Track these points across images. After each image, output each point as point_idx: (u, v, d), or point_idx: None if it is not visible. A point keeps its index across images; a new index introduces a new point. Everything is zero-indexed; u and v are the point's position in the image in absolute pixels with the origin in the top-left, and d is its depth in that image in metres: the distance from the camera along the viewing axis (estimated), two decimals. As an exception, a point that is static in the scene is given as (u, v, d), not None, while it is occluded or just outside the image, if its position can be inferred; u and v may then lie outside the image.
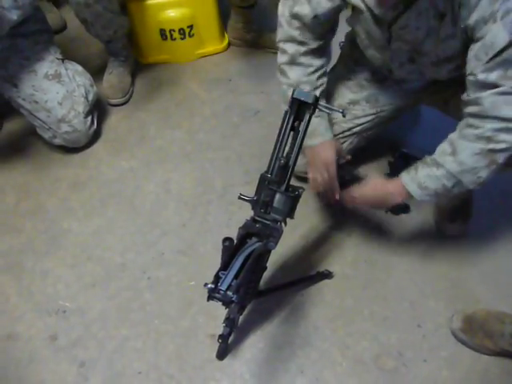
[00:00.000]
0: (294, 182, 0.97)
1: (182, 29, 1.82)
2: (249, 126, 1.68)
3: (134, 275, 1.32)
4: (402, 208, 1.41)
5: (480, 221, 1.39)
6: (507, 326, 1.10)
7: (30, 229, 1.43)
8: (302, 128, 0.91)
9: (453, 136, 1.01)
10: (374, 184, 1.13)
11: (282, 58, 1.20)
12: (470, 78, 0.94)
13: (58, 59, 1.52)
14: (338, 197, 1.17)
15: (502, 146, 0.93)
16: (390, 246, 1.36)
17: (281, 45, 1.19)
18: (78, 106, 1.52)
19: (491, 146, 0.94)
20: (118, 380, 1.15)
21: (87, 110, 1.55)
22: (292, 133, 0.93)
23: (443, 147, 1.01)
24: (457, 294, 1.26)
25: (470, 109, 0.96)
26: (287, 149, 0.94)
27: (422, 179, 1.02)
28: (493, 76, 0.89)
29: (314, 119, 1.07)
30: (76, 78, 1.54)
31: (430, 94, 1.28)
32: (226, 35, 1.97)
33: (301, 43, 1.15)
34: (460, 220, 1.36)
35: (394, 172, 1.31)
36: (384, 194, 1.11)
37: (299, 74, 1.17)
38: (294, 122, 0.92)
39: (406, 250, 1.35)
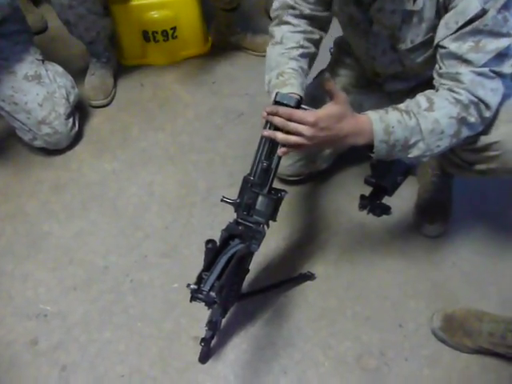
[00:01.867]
0: (275, 184, 0.98)
1: (165, 31, 1.81)
2: (233, 128, 1.68)
3: (117, 278, 1.31)
4: (383, 209, 1.42)
5: (460, 222, 1.41)
6: (485, 325, 1.12)
7: (10, 232, 1.41)
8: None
9: (427, 92, 0.95)
10: (336, 108, 0.90)
11: (272, 24, 1.16)
12: (442, 50, 0.93)
13: (37, 60, 1.51)
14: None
15: (472, 119, 0.91)
16: (372, 246, 1.37)
17: (274, 13, 1.16)
18: (59, 107, 1.50)
19: (464, 114, 0.91)
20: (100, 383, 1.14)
21: (68, 111, 1.54)
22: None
23: (419, 100, 0.93)
24: (437, 293, 1.28)
25: (448, 82, 0.93)
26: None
27: (392, 123, 0.90)
28: (465, 47, 0.88)
29: (291, 71, 1.05)
30: (57, 79, 1.53)
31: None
32: (210, 37, 1.97)
33: (292, 7, 1.12)
34: (439, 222, 1.38)
35: (375, 174, 1.32)
36: (340, 126, 0.91)
37: (284, 30, 1.12)
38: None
39: (387, 251, 1.36)
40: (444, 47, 0.92)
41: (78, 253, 1.36)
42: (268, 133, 0.91)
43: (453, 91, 0.91)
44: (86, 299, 1.27)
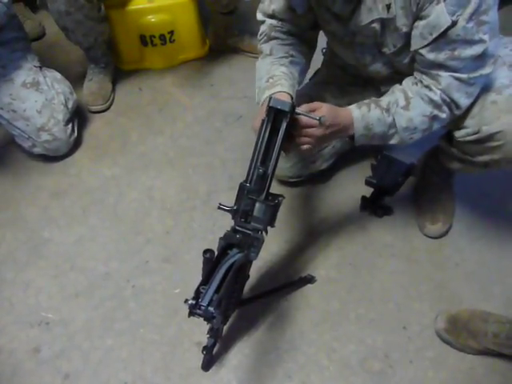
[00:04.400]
0: (276, 187, 0.97)
1: (163, 35, 1.81)
2: (232, 132, 1.68)
3: (118, 284, 1.30)
4: (384, 210, 1.42)
5: (462, 222, 1.41)
6: (490, 325, 1.11)
7: (10, 239, 1.41)
8: (279, 136, 0.91)
9: (407, 88, 1.03)
10: (328, 106, 1.01)
11: (260, 40, 1.20)
12: (419, 57, 0.98)
13: (35, 67, 1.50)
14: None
15: (443, 116, 1.01)
16: (374, 248, 1.36)
17: (260, 27, 1.20)
18: (58, 114, 1.50)
19: (436, 112, 1.00)
20: (103, 391, 1.13)
21: (67, 117, 1.53)
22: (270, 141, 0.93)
23: (397, 97, 1.03)
24: (441, 294, 1.27)
25: (427, 80, 1.00)
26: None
27: (372, 120, 1.03)
28: (441, 56, 0.93)
29: (281, 74, 1.08)
30: (55, 85, 1.52)
31: None
32: (207, 40, 1.97)
33: (279, 27, 1.15)
34: (441, 222, 1.37)
35: (376, 175, 1.31)
36: (338, 121, 1.01)
37: (272, 44, 1.15)
38: (271, 130, 0.91)
39: (390, 253, 1.35)
40: (421, 55, 0.97)
41: (79, 259, 1.36)
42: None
43: (429, 89, 0.99)
44: (87, 306, 1.26)
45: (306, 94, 1.31)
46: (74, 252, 1.37)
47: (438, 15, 0.89)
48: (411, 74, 1.14)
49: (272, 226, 0.97)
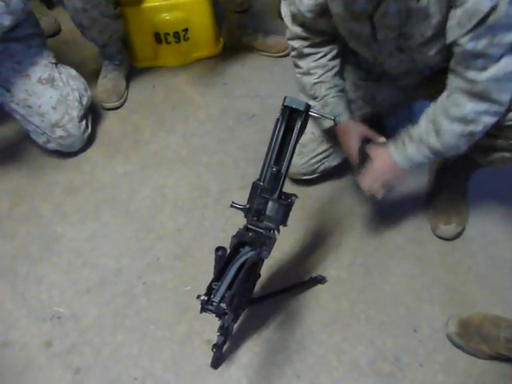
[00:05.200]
0: (289, 187, 0.97)
1: (177, 32, 1.82)
2: (244, 130, 1.68)
3: (130, 281, 1.31)
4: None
5: (476, 226, 1.39)
6: (503, 331, 1.10)
7: (24, 234, 1.42)
8: (293, 135, 0.91)
9: (435, 112, 1.05)
10: (379, 157, 1.16)
11: (292, 53, 1.26)
12: (457, 48, 0.94)
13: (51, 63, 1.51)
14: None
15: (480, 127, 0.99)
16: (385, 250, 1.36)
17: (289, 42, 1.25)
18: (72, 110, 1.51)
19: (471, 127, 0.99)
20: (113, 387, 1.14)
21: (81, 114, 1.54)
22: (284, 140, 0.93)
23: (426, 126, 1.06)
24: (452, 298, 1.26)
25: (459, 83, 0.97)
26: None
27: (411, 155, 1.09)
28: (480, 44, 0.89)
29: (331, 100, 1.22)
30: (70, 82, 1.54)
31: (426, 89, 1.26)
32: (221, 39, 1.97)
33: (304, 38, 1.20)
34: (455, 223, 1.36)
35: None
36: (389, 168, 1.14)
37: (308, 62, 1.23)
38: (285, 129, 0.91)
39: (402, 254, 1.35)
40: (458, 45, 0.93)
41: (91, 255, 1.37)
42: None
43: (457, 106, 0.99)
44: (99, 302, 1.27)
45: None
46: (86, 248, 1.39)
47: (477, 1, 0.85)
48: (431, 66, 1.13)
49: (284, 225, 0.97)
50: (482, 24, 0.87)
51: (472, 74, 0.94)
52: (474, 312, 1.19)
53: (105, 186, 1.53)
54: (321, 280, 1.28)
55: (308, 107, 0.90)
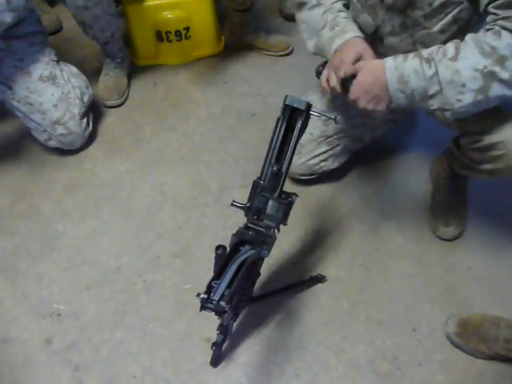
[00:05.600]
0: (289, 186, 0.97)
1: (179, 31, 1.82)
2: (245, 129, 1.68)
3: (129, 278, 1.31)
4: None
5: (475, 225, 1.40)
6: (502, 331, 1.10)
7: (24, 231, 1.43)
8: (294, 134, 0.91)
9: (462, 40, 0.89)
10: (369, 67, 0.98)
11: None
12: (499, 2, 0.85)
13: (52, 61, 1.51)
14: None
15: (506, 75, 0.84)
16: (385, 249, 1.36)
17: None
18: (74, 107, 1.51)
19: (496, 68, 0.84)
20: (112, 384, 1.14)
21: (82, 111, 1.55)
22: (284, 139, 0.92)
23: (447, 48, 0.90)
24: (452, 298, 1.26)
25: (503, 22, 0.84)
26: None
27: (407, 71, 0.91)
28: None
29: (344, 20, 1.07)
30: (71, 79, 1.54)
31: None
32: (223, 37, 1.97)
33: None
34: (454, 224, 1.36)
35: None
36: (374, 78, 0.96)
37: (318, 10, 1.12)
38: (286, 128, 0.91)
39: (401, 254, 1.35)
40: None
41: (91, 253, 1.37)
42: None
43: (498, 35, 0.84)
44: (98, 299, 1.28)
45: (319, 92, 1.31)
46: (86, 245, 1.39)
47: None
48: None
49: (284, 224, 0.97)
50: None
51: None
52: (474, 312, 1.19)
53: (105, 184, 1.54)
54: (321, 279, 1.29)
55: (309, 106, 0.90)
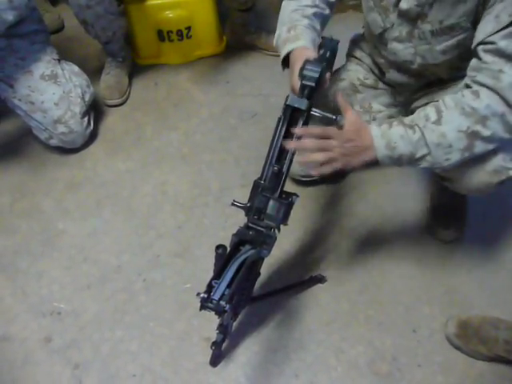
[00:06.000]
0: (290, 186, 0.98)
1: (180, 30, 1.82)
2: (246, 129, 1.68)
3: (130, 277, 1.32)
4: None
5: (475, 227, 1.39)
6: (501, 332, 1.10)
7: (25, 229, 1.43)
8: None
9: (442, 102, 0.91)
10: (356, 119, 0.93)
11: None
12: (488, 46, 0.86)
13: (54, 60, 1.52)
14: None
15: (487, 133, 0.87)
16: (385, 251, 1.36)
17: None
18: (75, 106, 1.51)
19: (478, 127, 0.87)
20: (112, 383, 1.14)
21: (84, 110, 1.55)
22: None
23: (427, 112, 0.91)
24: (451, 299, 1.26)
25: (482, 77, 0.86)
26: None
27: (394, 138, 0.91)
28: None
29: (302, 27, 1.04)
30: (72, 78, 1.54)
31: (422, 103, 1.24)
32: (224, 37, 1.97)
33: None
34: (454, 227, 1.36)
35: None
36: (366, 136, 0.92)
37: (293, 5, 1.10)
38: (287, 128, 0.91)
39: (401, 256, 1.35)
40: (492, 43, 0.85)
41: (92, 251, 1.37)
42: (295, 144, 0.91)
43: (476, 97, 0.86)
44: (98, 298, 1.28)
45: (322, 93, 1.30)
46: (87, 244, 1.39)
47: None
48: (421, 74, 1.10)
49: (285, 224, 0.97)
50: None
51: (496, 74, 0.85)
52: (473, 313, 1.19)
53: (106, 183, 1.54)
54: (321, 279, 1.29)
55: (310, 106, 0.90)
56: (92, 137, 1.64)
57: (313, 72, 0.91)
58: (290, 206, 0.96)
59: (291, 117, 0.91)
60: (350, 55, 1.37)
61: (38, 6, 1.56)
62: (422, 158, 0.92)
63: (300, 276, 1.30)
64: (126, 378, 1.14)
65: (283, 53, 1.04)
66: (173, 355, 1.18)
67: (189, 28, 1.82)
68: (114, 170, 1.57)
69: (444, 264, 1.33)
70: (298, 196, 0.97)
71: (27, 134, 1.62)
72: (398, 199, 1.46)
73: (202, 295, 0.79)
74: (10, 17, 1.30)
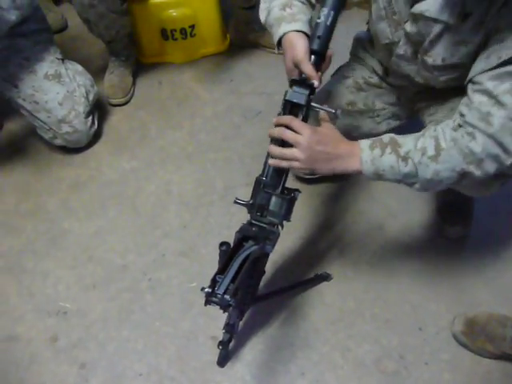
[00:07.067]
0: (293, 184, 0.97)
1: (184, 29, 1.81)
2: (250, 127, 1.67)
3: (135, 277, 1.32)
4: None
5: (482, 224, 1.38)
6: (509, 330, 1.10)
7: (31, 229, 1.43)
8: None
9: (441, 135, 0.88)
10: (334, 128, 0.93)
11: None
12: (476, 86, 0.86)
13: (58, 59, 1.52)
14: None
15: (479, 173, 0.87)
16: (391, 248, 1.35)
17: None
18: (79, 106, 1.51)
19: (472, 168, 0.86)
20: (118, 382, 1.14)
21: (88, 110, 1.55)
22: None
23: (426, 145, 0.88)
24: (458, 297, 1.25)
25: (472, 119, 0.85)
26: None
27: (383, 167, 0.90)
28: (502, 87, 0.81)
29: (300, 4, 0.98)
30: (76, 77, 1.54)
31: (426, 103, 1.21)
32: (228, 35, 1.97)
33: None
34: (461, 224, 1.35)
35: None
36: (335, 151, 0.91)
37: None
38: None
39: (407, 253, 1.34)
40: (479, 83, 0.85)
41: (97, 251, 1.37)
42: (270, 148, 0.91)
43: (472, 138, 0.85)
44: (104, 297, 1.28)
45: (326, 90, 1.30)
46: (92, 244, 1.39)
47: None
48: (427, 85, 1.08)
49: (288, 220, 0.97)
50: (509, 64, 0.80)
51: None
52: (480, 311, 1.19)
53: (111, 182, 1.54)
54: (326, 277, 1.28)
55: (309, 101, 0.89)
56: (96, 136, 1.64)
57: (298, 96, 0.89)
58: (292, 201, 0.96)
59: (291, 112, 0.90)
60: (354, 54, 1.35)
61: (41, 6, 1.56)
62: (410, 184, 0.93)
63: (305, 274, 1.29)
64: (132, 378, 1.15)
65: (278, 33, 0.96)
66: (179, 354, 1.18)
67: (192, 26, 1.82)
68: (118, 169, 1.57)
69: (451, 261, 1.32)
70: (300, 192, 0.97)
71: (32, 134, 1.62)
72: (404, 196, 1.45)
73: (206, 290, 0.79)
74: (12, 16, 1.30)
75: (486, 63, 0.84)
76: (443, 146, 0.87)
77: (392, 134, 0.93)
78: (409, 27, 0.98)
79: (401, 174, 0.90)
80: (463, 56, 0.92)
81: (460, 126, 0.88)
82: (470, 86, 0.88)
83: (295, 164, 0.89)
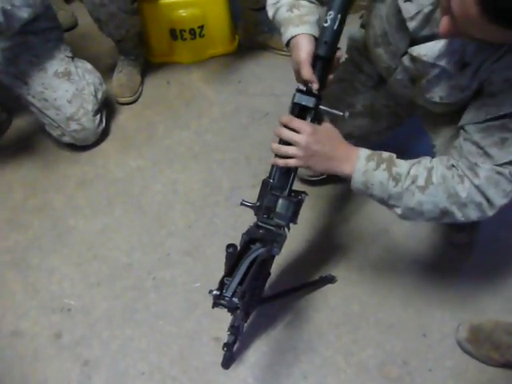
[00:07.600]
0: (298, 186, 0.97)
1: (193, 29, 1.82)
2: (258, 129, 1.67)
3: (140, 275, 1.32)
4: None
5: (488, 230, 1.37)
6: (514, 338, 1.09)
7: (37, 226, 1.44)
8: None
9: (435, 169, 0.89)
10: (334, 128, 0.93)
11: None
12: (465, 135, 0.87)
13: (67, 57, 1.52)
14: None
15: (459, 215, 0.88)
16: (397, 252, 1.35)
17: None
18: (87, 104, 1.52)
19: (454, 209, 0.88)
20: (121, 380, 1.15)
21: (96, 108, 1.55)
22: None
23: (419, 173, 0.89)
24: (463, 303, 1.25)
25: (462, 166, 0.87)
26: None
27: (373, 181, 0.90)
28: (489, 140, 0.83)
29: (308, 4, 0.96)
30: (85, 76, 1.54)
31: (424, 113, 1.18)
32: (237, 36, 1.97)
33: None
34: (467, 230, 1.34)
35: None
36: (332, 153, 0.91)
37: None
38: None
39: (413, 258, 1.33)
40: (468, 133, 0.87)
41: (102, 249, 1.38)
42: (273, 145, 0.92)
43: (461, 182, 0.86)
44: (109, 295, 1.28)
45: (337, 77, 1.28)
46: (97, 241, 1.39)
47: (506, 99, 0.79)
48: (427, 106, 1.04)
49: (294, 222, 0.97)
50: (497, 120, 0.82)
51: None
52: (485, 318, 1.18)
53: (117, 180, 1.54)
54: (331, 279, 1.28)
55: (317, 104, 0.89)
56: (104, 134, 1.64)
57: (307, 98, 0.89)
58: (299, 204, 0.96)
59: (299, 115, 0.90)
60: (349, 56, 1.32)
61: (52, 4, 1.57)
62: (392, 206, 0.93)
63: (309, 276, 1.29)
64: (135, 376, 1.15)
65: (286, 36, 0.95)
66: (182, 354, 1.18)
67: (201, 27, 1.82)
68: (125, 167, 1.58)
69: (456, 267, 1.31)
70: (306, 194, 0.97)
71: (40, 131, 1.63)
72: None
73: (214, 292, 0.79)
74: (24, 14, 1.30)
75: (475, 116, 0.85)
76: (433, 180, 0.88)
77: (393, 154, 0.93)
78: (406, 62, 0.97)
79: (387, 193, 0.91)
80: (461, 99, 0.91)
81: (453, 166, 0.89)
82: (461, 132, 0.89)
83: (291, 161, 0.90)
